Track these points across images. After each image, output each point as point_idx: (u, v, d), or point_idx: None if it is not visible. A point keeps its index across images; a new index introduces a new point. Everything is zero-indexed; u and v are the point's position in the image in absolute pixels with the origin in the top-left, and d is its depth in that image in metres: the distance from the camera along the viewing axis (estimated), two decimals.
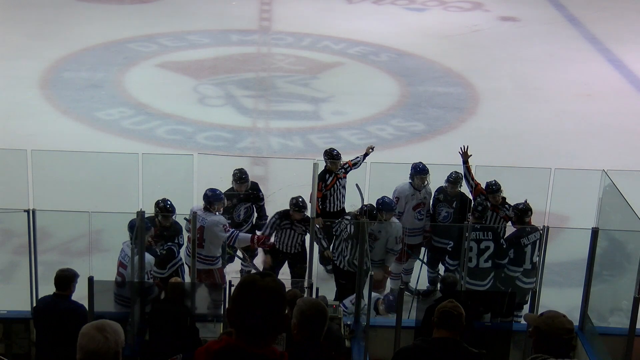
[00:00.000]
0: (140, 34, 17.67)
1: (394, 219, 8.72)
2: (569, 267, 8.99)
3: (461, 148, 9.18)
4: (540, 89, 15.79)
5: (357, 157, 9.75)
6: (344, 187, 9.55)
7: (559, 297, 8.55)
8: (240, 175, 9.07)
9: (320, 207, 9.35)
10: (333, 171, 9.46)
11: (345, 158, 9.68)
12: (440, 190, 9.25)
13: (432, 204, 9.26)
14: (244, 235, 8.50)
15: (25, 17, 18.44)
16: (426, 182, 9.17)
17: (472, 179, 9.06)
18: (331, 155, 9.50)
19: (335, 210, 9.43)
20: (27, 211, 7.29)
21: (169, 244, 8.14)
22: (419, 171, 9.12)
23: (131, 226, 7.71)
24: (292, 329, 4.15)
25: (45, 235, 8.78)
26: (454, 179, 9.10)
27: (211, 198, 8.40)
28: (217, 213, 8.39)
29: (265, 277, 3.14)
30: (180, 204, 8.51)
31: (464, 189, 9.25)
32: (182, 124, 13.47)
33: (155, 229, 8.06)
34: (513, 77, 16.42)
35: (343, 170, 9.55)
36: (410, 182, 9.18)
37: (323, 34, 18.22)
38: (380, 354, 7.13)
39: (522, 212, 8.44)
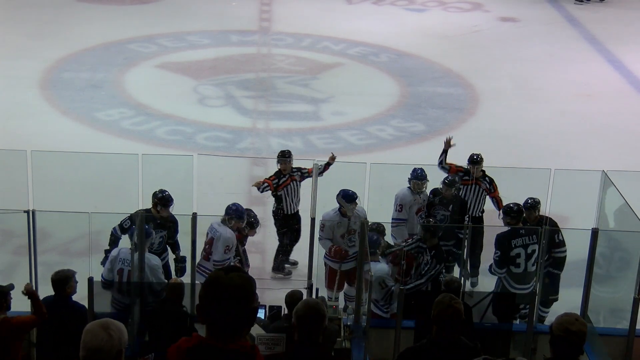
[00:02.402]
0: (140, 34, 17.65)
1: (358, 207, 8.74)
2: (569, 267, 8.97)
3: (447, 138, 9.53)
4: (540, 89, 15.78)
5: (320, 166, 9.24)
6: (298, 191, 9.39)
7: (559, 297, 8.57)
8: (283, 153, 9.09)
9: (276, 208, 9.31)
10: (285, 172, 9.32)
11: (347, 158, 9.61)
12: (434, 192, 9.27)
13: (426, 205, 9.29)
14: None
15: (25, 17, 18.43)
16: (424, 188, 9.22)
17: (445, 161, 9.35)
18: (281, 155, 9.43)
19: (291, 212, 9.35)
20: (27, 212, 7.30)
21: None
22: (418, 177, 9.15)
23: (132, 234, 7.72)
24: (293, 330, 4.27)
25: (45, 235, 8.78)
26: (449, 182, 9.14)
27: (231, 212, 8.24)
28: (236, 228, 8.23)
29: (230, 272, 3.17)
30: (180, 204, 8.50)
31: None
32: (182, 125, 13.47)
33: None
34: (513, 77, 16.41)
35: (299, 174, 9.38)
36: (408, 187, 9.19)
37: (323, 35, 18.20)
38: (380, 354, 7.13)
39: (532, 206, 8.49)
